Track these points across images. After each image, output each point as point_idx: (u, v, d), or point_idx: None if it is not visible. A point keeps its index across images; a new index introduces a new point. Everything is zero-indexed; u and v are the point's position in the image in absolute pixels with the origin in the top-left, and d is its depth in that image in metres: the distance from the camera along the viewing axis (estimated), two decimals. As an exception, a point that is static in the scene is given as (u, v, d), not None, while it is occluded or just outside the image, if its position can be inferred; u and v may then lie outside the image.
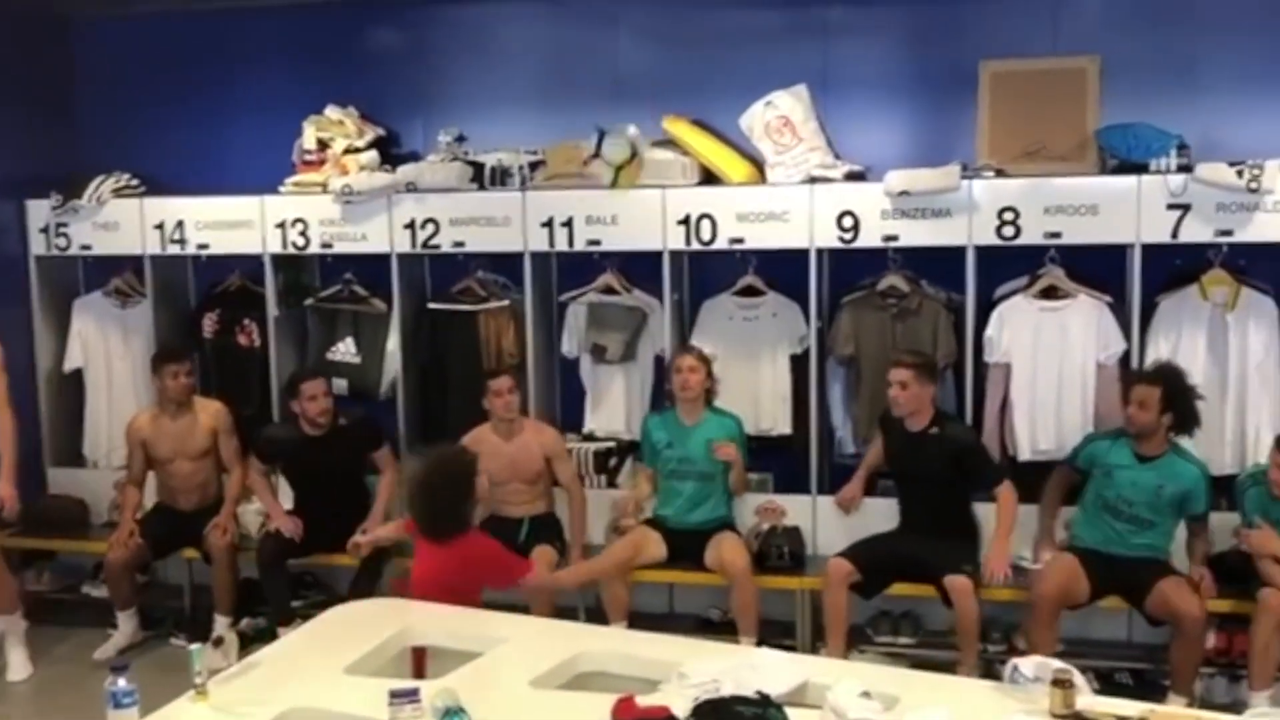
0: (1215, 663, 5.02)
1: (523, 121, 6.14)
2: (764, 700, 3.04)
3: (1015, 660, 3.24)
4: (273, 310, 6.14)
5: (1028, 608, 4.97)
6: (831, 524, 5.50)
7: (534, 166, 5.88)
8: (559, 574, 5.24)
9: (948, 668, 5.00)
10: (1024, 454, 5.38)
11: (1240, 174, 4.97)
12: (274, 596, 5.59)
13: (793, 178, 5.52)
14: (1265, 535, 4.73)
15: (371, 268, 6.04)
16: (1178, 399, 4.85)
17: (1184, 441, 4.98)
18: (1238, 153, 5.08)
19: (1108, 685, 5.08)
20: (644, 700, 3.15)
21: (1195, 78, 5.46)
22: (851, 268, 5.64)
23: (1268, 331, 5.19)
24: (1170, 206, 5.09)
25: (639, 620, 5.31)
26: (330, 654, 3.65)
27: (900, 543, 5.20)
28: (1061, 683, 3.06)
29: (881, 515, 5.40)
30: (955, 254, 5.37)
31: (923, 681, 3.33)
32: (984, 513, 5.23)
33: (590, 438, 5.92)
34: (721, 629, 5.40)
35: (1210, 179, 5.02)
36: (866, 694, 2.99)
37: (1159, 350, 5.25)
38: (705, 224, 5.56)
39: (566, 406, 6.09)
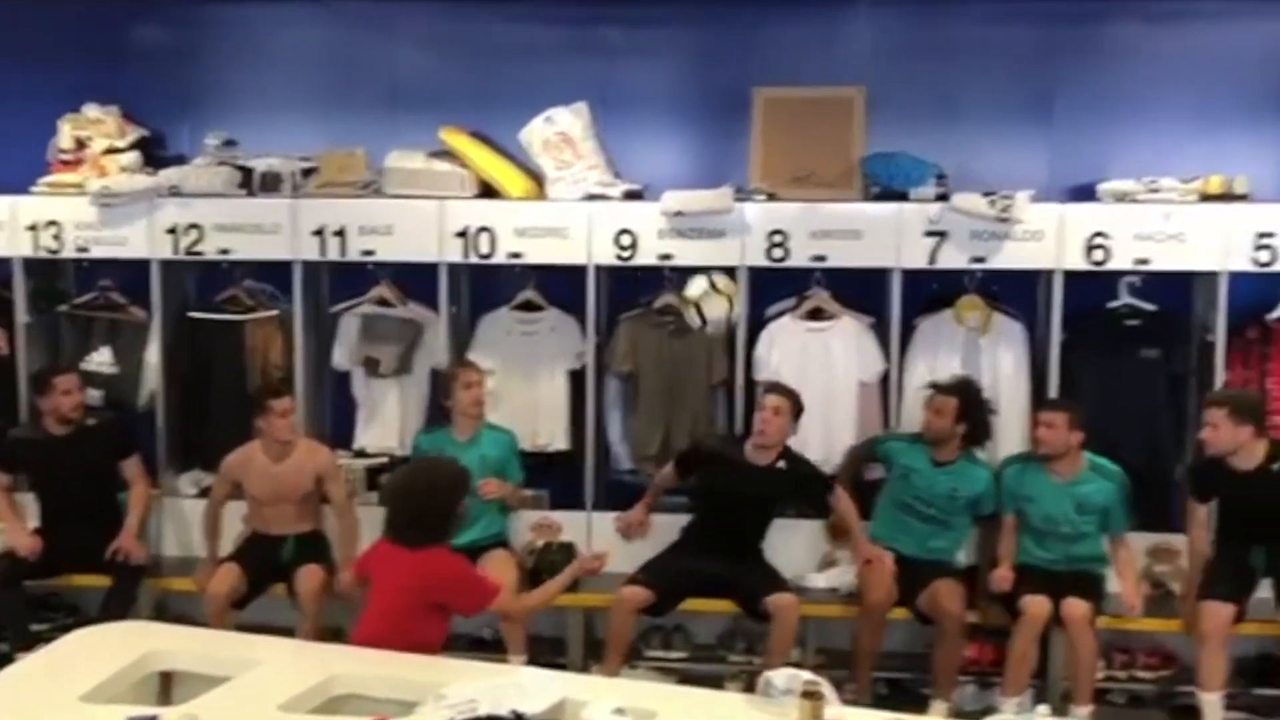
0: (968, 671, 5.25)
1: (296, 127, 5.99)
2: None
3: (768, 673, 3.30)
4: (22, 317, 5.78)
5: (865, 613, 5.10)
6: (606, 541, 5.49)
7: (307, 174, 5.72)
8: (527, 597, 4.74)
9: (716, 681, 5.09)
10: (791, 469, 5.51)
11: (993, 204, 5.22)
12: (10, 619, 5.25)
13: (572, 194, 5.54)
14: (1002, 577, 5.04)
15: (131, 274, 5.75)
16: (973, 411, 5.13)
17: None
18: (991, 183, 5.33)
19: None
20: (397, 723, 3.08)
21: (954, 111, 5.74)
22: (630, 285, 5.68)
23: (1017, 354, 5.47)
24: (928, 233, 5.30)
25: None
26: (66, 680, 3.43)
27: (699, 562, 5.19)
28: (811, 694, 3.13)
29: (661, 532, 5.43)
30: (728, 274, 5.47)
31: (681, 696, 3.36)
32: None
33: (362, 454, 5.78)
34: (494, 648, 5.33)
35: (965, 208, 5.26)
36: (621, 711, 3.00)
37: (917, 370, 5.48)
38: (484, 237, 5.51)
39: (337, 421, 5.93)
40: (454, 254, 5.53)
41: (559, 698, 3.24)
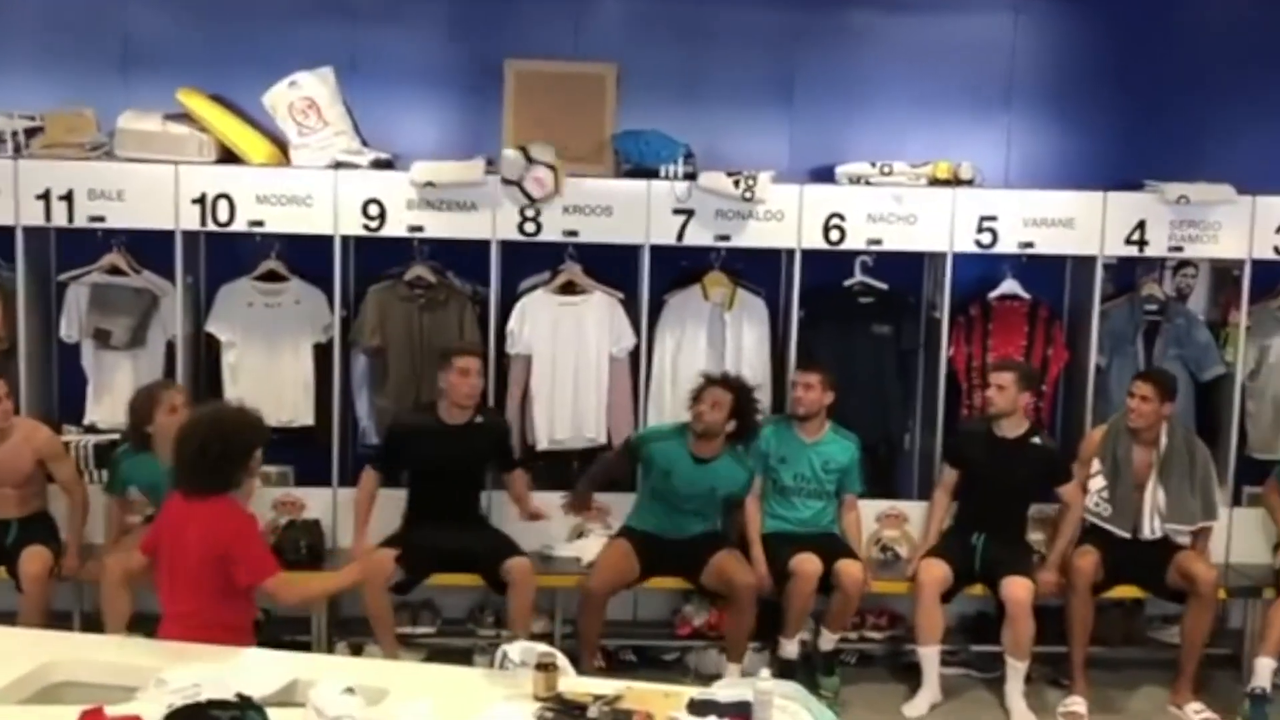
0: (706, 636, 5.42)
1: (19, 84, 5.63)
2: (243, 702, 2.93)
3: (504, 646, 3.31)
4: None
5: (582, 595, 5.12)
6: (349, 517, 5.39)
7: (31, 134, 5.38)
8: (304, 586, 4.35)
9: (465, 656, 5.10)
10: (542, 443, 5.55)
11: (737, 184, 5.36)
12: None
13: (317, 161, 5.39)
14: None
15: None
16: (745, 409, 5.14)
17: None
18: (737, 164, 5.47)
19: (613, 663, 5.37)
20: (114, 710, 2.94)
21: (702, 91, 5.86)
22: (378, 256, 5.58)
23: (760, 330, 5.65)
24: (676, 211, 5.41)
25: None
26: None
27: (431, 535, 5.13)
28: (545, 666, 3.16)
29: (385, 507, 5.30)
30: (481, 247, 5.44)
31: (416, 673, 3.34)
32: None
33: (92, 429, 5.49)
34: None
35: (711, 187, 5.38)
36: (351, 690, 2.96)
37: (665, 345, 5.60)
38: (223, 204, 5.31)
39: (65, 396, 5.62)
40: (191, 221, 5.31)
41: (289, 679, 3.17)
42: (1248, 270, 5.54)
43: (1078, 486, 5.30)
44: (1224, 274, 5.80)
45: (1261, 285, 5.65)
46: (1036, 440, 5.30)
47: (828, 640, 5.25)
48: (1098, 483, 5.30)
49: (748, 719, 3.00)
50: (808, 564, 5.07)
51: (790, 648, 5.16)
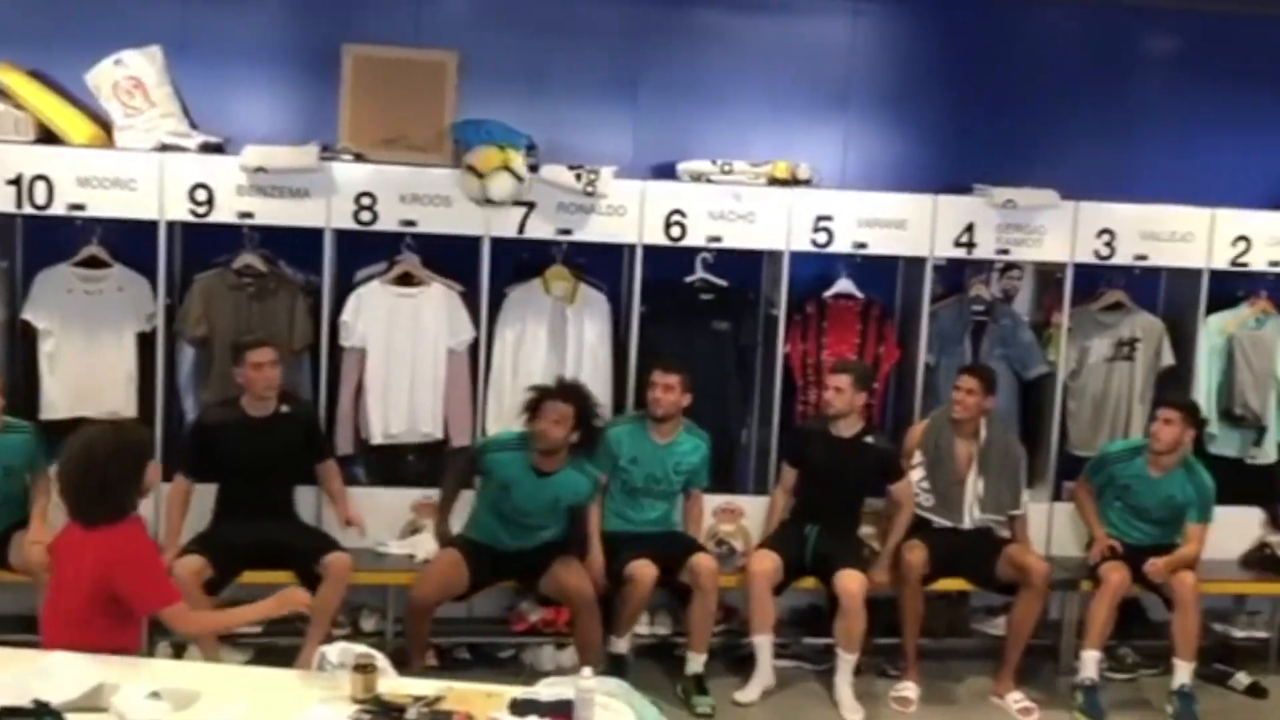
0: (542, 632, 5.39)
1: None
2: (40, 709, 2.80)
3: (322, 647, 3.24)
4: None
5: (408, 604, 5.03)
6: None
7: None
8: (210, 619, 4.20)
9: (291, 657, 4.97)
10: (376, 438, 5.44)
11: (579, 177, 5.34)
12: None
13: (143, 143, 5.20)
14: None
15: None
16: (588, 419, 5.06)
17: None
18: (580, 157, 5.45)
19: (446, 661, 5.31)
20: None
21: (545, 82, 5.80)
22: (206, 244, 5.39)
23: (602, 325, 5.63)
24: (517, 203, 5.35)
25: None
26: None
27: (249, 533, 4.97)
28: (363, 668, 3.10)
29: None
30: (314, 235, 5.31)
31: (229, 676, 3.24)
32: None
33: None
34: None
35: (552, 180, 5.35)
36: (156, 695, 2.85)
37: (505, 339, 5.54)
38: (40, 186, 5.07)
39: None
40: (6, 203, 5.06)
41: (93, 684, 3.04)
42: (1070, 273, 5.74)
43: (908, 485, 5.42)
44: (1047, 276, 6.00)
45: (1083, 288, 5.86)
46: (870, 440, 5.41)
47: (695, 662, 5.20)
48: (918, 474, 5.45)
49: (569, 718, 2.98)
50: (644, 570, 5.07)
51: (621, 645, 5.17)
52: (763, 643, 5.24)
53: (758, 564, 5.27)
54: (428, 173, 5.33)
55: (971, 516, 5.43)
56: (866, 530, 5.60)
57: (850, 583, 5.14)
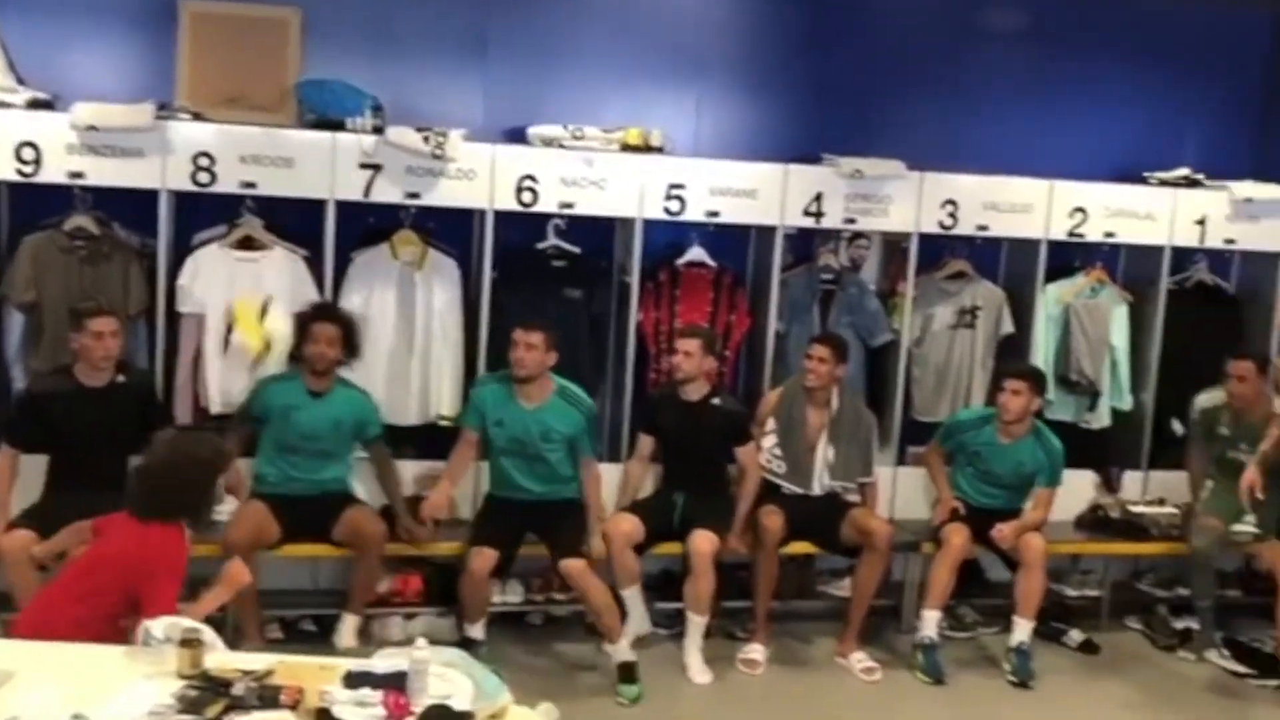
0: (389, 603, 5.32)
1: None
2: None
3: (146, 622, 3.13)
4: None
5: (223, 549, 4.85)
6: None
7: None
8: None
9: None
10: (215, 406, 5.28)
11: (427, 140, 5.23)
12: None
13: (-36, 99, 4.94)
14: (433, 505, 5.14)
15: None
16: (351, 339, 5.07)
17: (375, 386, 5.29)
18: (429, 119, 5.34)
19: (292, 633, 5.21)
20: None
21: (392, 42, 5.67)
22: (34, 205, 5.16)
23: (451, 289, 5.55)
24: (363, 165, 5.23)
25: None
26: None
27: (82, 506, 4.70)
28: (189, 642, 3.01)
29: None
30: (149, 197, 5.12)
31: (46, 653, 3.11)
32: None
33: None
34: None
35: (400, 142, 5.23)
36: (-37, 675, 2.72)
37: (352, 304, 5.40)
38: None
39: None
40: None
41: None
42: (915, 243, 5.86)
43: (752, 449, 5.48)
44: (894, 246, 6.11)
45: (927, 257, 5.99)
46: (717, 401, 5.43)
47: (623, 651, 5.05)
48: (770, 440, 5.51)
49: (403, 690, 2.94)
50: (482, 559, 4.97)
51: (475, 630, 5.09)
52: (631, 594, 5.26)
53: (614, 526, 5.26)
54: (270, 133, 5.18)
55: (821, 483, 5.52)
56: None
57: (701, 543, 5.17)
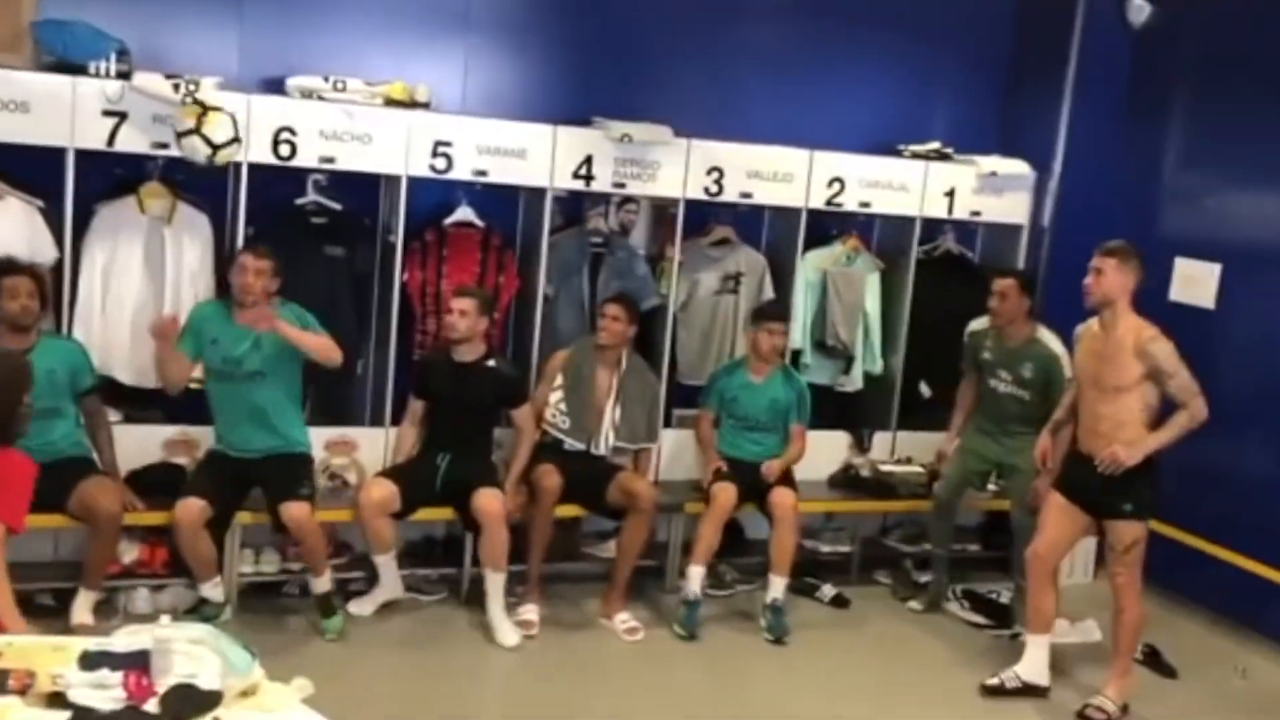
0: (137, 575, 5.08)
1: None
2: None
3: None
4: None
5: None
6: None
7: None
8: None
9: None
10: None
11: (177, 88, 4.96)
12: None
13: None
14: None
15: None
16: (43, 289, 4.81)
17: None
18: (180, 67, 5.08)
19: (30, 610, 4.89)
20: None
21: (139, -16, 5.35)
22: None
23: (203, 246, 5.30)
24: (106, 113, 4.93)
25: None
26: None
27: None
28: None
29: None
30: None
31: None
32: None
33: None
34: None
35: (148, 89, 4.95)
36: None
37: (95, 260, 5.12)
38: None
39: None
40: None
41: None
42: (681, 208, 5.92)
43: (527, 410, 5.46)
44: (662, 211, 6.17)
45: (694, 223, 6.07)
46: (492, 363, 5.39)
47: (321, 583, 5.09)
48: (556, 396, 5.53)
49: (146, 669, 2.80)
50: (186, 510, 4.82)
51: (210, 590, 4.98)
52: (384, 560, 5.26)
53: (366, 494, 5.20)
54: (5, 76, 4.81)
55: (606, 443, 5.57)
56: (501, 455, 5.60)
57: (490, 501, 5.16)
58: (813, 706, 4.97)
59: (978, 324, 5.91)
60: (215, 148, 4.96)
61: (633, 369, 5.66)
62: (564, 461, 5.49)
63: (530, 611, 5.38)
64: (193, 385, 5.17)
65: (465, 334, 5.28)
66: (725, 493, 5.59)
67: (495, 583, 5.22)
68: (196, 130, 4.93)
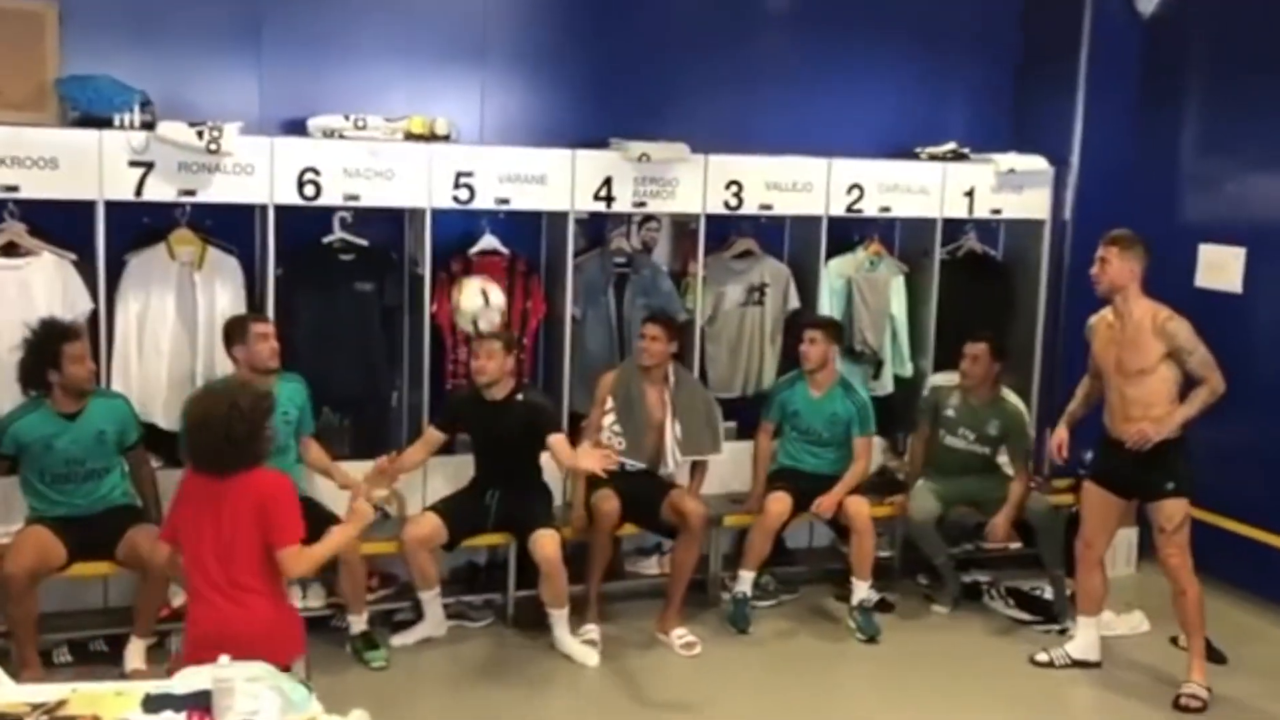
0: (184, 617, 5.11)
1: None
2: None
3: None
4: None
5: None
6: None
7: None
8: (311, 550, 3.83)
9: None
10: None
11: (201, 135, 5.04)
12: None
13: None
14: None
15: None
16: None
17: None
18: (202, 114, 5.16)
19: (83, 656, 4.98)
20: None
21: (159, 34, 5.40)
22: None
23: (234, 289, 5.36)
24: (133, 163, 5.01)
25: None
26: None
27: None
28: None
29: None
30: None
31: None
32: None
33: None
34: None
35: (171, 138, 5.03)
36: None
37: (129, 309, 5.19)
38: None
39: None
40: None
41: None
42: (703, 224, 5.97)
43: (563, 437, 5.44)
44: (683, 227, 6.22)
45: (715, 237, 6.11)
46: (521, 398, 5.42)
47: (359, 623, 5.18)
48: (609, 419, 5.58)
49: (208, 709, 2.85)
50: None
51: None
52: (428, 598, 5.33)
53: (412, 530, 5.26)
54: (30, 133, 4.90)
55: (674, 459, 5.64)
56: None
57: (547, 544, 5.19)
58: (878, 706, 5.05)
59: (942, 380, 6.05)
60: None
61: (682, 382, 5.69)
62: (623, 482, 5.52)
63: (592, 631, 5.42)
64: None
65: (494, 377, 5.33)
66: (779, 503, 5.66)
67: (560, 619, 5.29)
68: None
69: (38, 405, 4.77)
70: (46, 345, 4.70)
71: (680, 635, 5.49)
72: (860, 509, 5.68)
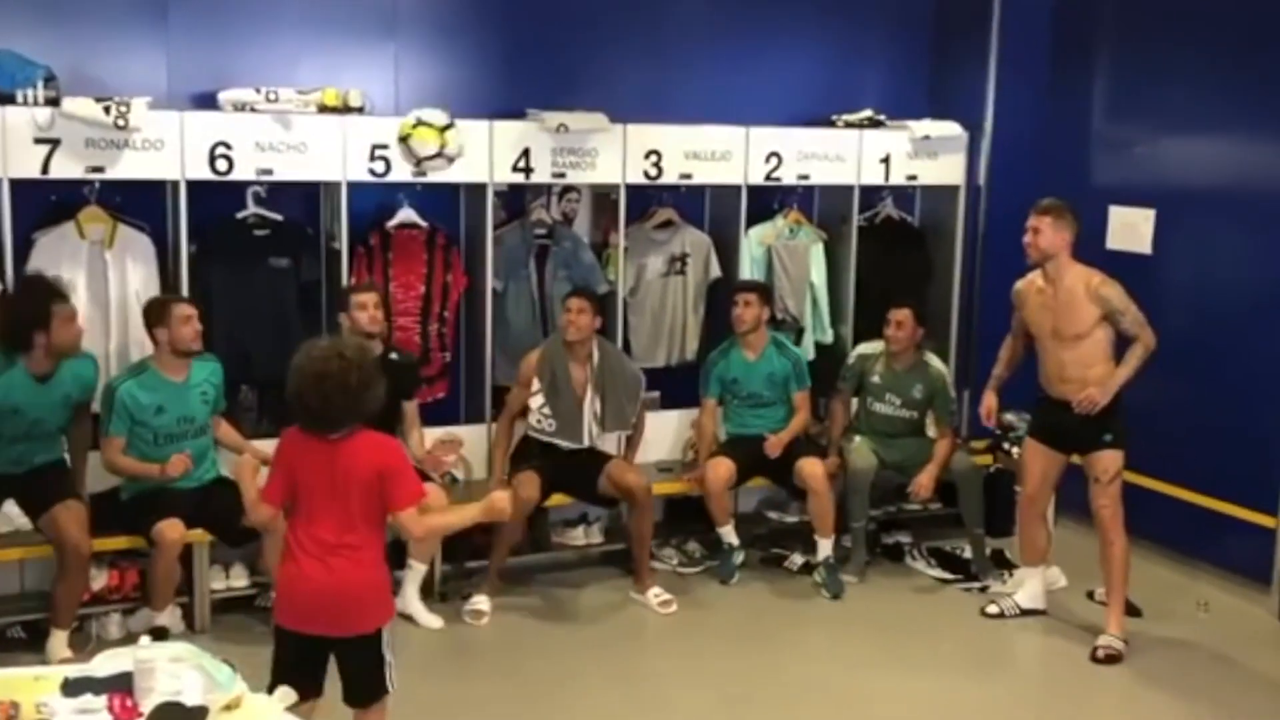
0: (109, 600, 5.05)
1: None
2: None
3: None
4: None
5: None
6: None
7: None
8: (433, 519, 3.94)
9: None
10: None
11: (108, 110, 4.93)
12: None
13: None
14: None
15: None
16: None
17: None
18: (109, 89, 5.05)
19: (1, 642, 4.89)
20: None
21: (63, 8, 5.27)
22: None
23: (147, 268, 5.27)
24: (39, 140, 4.89)
25: None
26: None
27: None
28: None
29: None
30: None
31: None
32: None
33: None
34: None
35: (77, 113, 4.92)
36: None
37: (37, 289, 5.06)
38: None
39: None
40: None
41: None
42: (623, 194, 5.96)
43: (415, 406, 5.46)
44: (603, 198, 6.20)
45: (636, 208, 6.11)
46: (394, 356, 5.33)
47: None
48: (537, 400, 5.55)
49: (129, 691, 2.81)
50: (172, 531, 4.79)
51: (161, 617, 4.94)
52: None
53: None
54: (-73, 110, 4.76)
55: (590, 435, 5.61)
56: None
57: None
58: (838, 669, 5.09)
59: (867, 348, 6.13)
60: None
61: (606, 356, 5.67)
62: (555, 458, 5.53)
63: (483, 602, 5.41)
64: None
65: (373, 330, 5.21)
66: (716, 468, 5.75)
67: (415, 573, 5.29)
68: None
69: (10, 365, 4.66)
70: (36, 305, 4.62)
71: (657, 594, 5.58)
72: (815, 470, 5.75)
